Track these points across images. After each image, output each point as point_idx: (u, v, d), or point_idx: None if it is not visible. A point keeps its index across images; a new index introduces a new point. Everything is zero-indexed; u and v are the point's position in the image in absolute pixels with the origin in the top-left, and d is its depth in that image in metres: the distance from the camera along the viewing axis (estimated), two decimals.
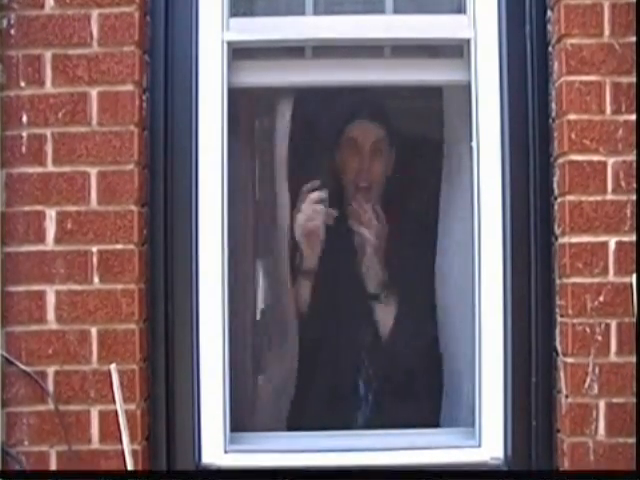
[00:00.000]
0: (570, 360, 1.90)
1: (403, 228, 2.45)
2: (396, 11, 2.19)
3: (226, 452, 2.01)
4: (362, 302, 2.40)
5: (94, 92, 1.92)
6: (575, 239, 1.90)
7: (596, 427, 1.89)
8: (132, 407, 1.88)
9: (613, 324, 1.89)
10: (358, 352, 2.41)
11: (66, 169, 1.92)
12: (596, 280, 1.90)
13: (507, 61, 2.00)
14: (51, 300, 1.91)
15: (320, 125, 2.52)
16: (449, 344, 2.29)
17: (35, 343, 1.91)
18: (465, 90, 2.06)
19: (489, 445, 2.01)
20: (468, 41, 2.03)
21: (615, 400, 1.89)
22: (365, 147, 2.38)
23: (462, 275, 2.20)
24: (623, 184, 1.90)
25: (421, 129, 2.58)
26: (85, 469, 1.89)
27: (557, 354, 1.96)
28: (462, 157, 2.18)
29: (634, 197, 1.89)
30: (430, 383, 2.31)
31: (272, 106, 2.31)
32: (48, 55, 1.92)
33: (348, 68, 2.09)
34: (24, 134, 1.92)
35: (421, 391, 2.31)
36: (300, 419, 2.28)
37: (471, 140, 2.03)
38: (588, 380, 1.89)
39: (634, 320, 1.81)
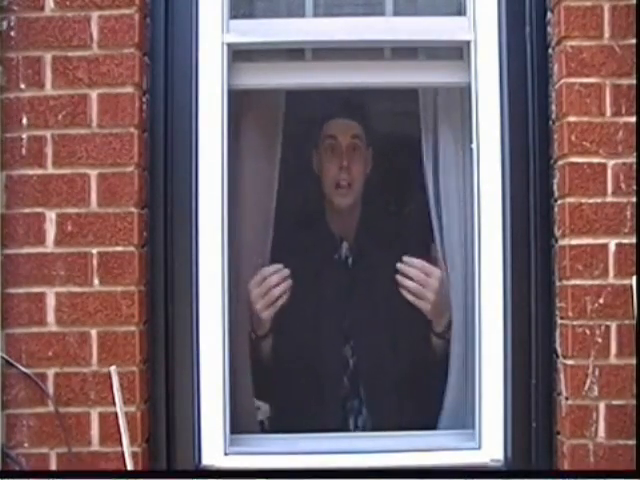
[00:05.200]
0: (570, 362, 1.90)
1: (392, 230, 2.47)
2: (396, 13, 2.19)
3: (226, 454, 2.01)
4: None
5: (94, 94, 1.92)
6: (575, 241, 1.90)
7: (596, 429, 1.89)
8: (132, 409, 1.88)
9: (613, 326, 1.89)
10: (355, 351, 2.40)
11: (66, 171, 1.92)
12: (596, 282, 1.90)
13: (507, 63, 2.00)
14: (51, 302, 1.91)
15: (308, 125, 2.53)
16: (449, 345, 2.29)
17: (35, 345, 1.91)
18: (465, 92, 2.06)
19: (489, 447, 2.01)
20: (468, 43, 2.03)
21: (615, 402, 1.89)
22: (343, 144, 2.38)
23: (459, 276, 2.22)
24: (623, 186, 1.90)
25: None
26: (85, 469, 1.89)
27: (557, 356, 1.96)
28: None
29: (634, 199, 1.89)
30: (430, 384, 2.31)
31: (272, 108, 2.31)
32: (48, 57, 1.92)
33: (348, 70, 2.08)
34: (24, 136, 1.92)
35: (421, 393, 2.30)
36: (300, 421, 2.27)
37: (471, 142, 2.03)
38: (588, 382, 1.89)
39: (634, 322, 1.82)
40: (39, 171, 1.92)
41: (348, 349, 2.40)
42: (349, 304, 2.40)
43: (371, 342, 2.37)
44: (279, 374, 2.34)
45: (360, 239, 2.45)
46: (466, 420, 2.14)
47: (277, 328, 2.32)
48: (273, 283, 2.22)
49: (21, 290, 1.92)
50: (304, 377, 2.33)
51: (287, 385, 2.33)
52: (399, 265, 2.22)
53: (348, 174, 2.38)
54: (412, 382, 2.32)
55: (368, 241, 2.44)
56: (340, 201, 2.41)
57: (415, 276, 2.22)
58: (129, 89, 1.92)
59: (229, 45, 2.02)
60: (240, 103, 2.19)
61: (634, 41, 1.89)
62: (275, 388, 2.38)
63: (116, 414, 1.73)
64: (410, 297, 2.22)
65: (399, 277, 2.22)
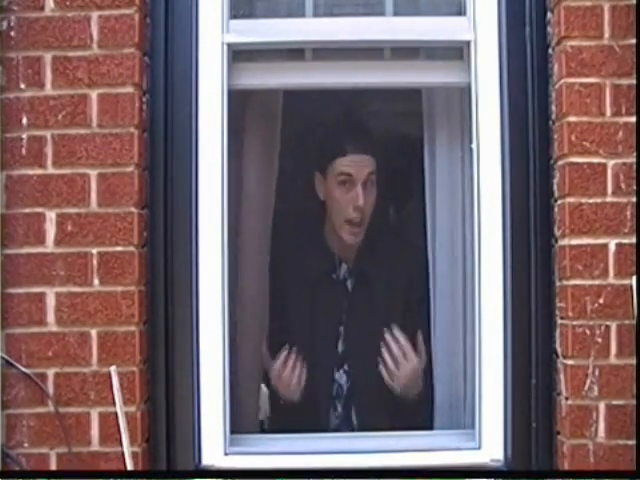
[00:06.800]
0: (570, 362, 1.90)
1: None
2: (396, 13, 2.20)
3: (226, 454, 2.01)
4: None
5: (94, 94, 1.92)
6: (575, 241, 1.90)
7: (596, 429, 1.89)
8: (132, 409, 1.88)
9: (613, 326, 1.89)
10: (354, 352, 2.40)
11: (66, 171, 1.92)
12: (596, 282, 1.90)
13: (507, 63, 2.00)
14: (51, 302, 1.91)
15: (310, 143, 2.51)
16: (448, 345, 2.29)
17: (35, 345, 1.91)
18: (465, 92, 2.07)
19: (489, 447, 2.01)
20: (468, 43, 2.03)
21: (615, 402, 1.89)
22: (358, 181, 2.29)
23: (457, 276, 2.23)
24: (623, 186, 1.90)
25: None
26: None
27: (557, 356, 1.95)
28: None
29: (634, 199, 1.89)
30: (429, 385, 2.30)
31: (272, 108, 2.31)
32: (48, 57, 1.92)
33: (348, 70, 2.08)
34: (24, 136, 1.92)
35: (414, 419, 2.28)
36: (299, 421, 2.27)
37: (471, 142, 2.03)
38: (588, 382, 1.89)
39: (634, 322, 1.82)
40: (39, 171, 1.92)
41: (342, 374, 2.39)
42: (345, 327, 2.38)
43: (365, 368, 2.34)
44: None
45: (360, 262, 2.40)
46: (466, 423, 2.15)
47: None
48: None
49: (21, 290, 1.92)
50: (296, 401, 2.31)
51: (278, 406, 2.33)
52: (386, 335, 2.24)
53: (361, 213, 2.31)
54: (405, 408, 2.30)
55: (369, 264, 2.39)
56: (349, 238, 2.34)
57: (395, 353, 2.24)
58: (129, 89, 1.92)
59: (229, 45, 2.02)
60: (243, 103, 2.19)
61: (634, 41, 1.89)
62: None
63: (116, 414, 1.73)
64: (384, 372, 2.25)
65: (382, 349, 2.24)
